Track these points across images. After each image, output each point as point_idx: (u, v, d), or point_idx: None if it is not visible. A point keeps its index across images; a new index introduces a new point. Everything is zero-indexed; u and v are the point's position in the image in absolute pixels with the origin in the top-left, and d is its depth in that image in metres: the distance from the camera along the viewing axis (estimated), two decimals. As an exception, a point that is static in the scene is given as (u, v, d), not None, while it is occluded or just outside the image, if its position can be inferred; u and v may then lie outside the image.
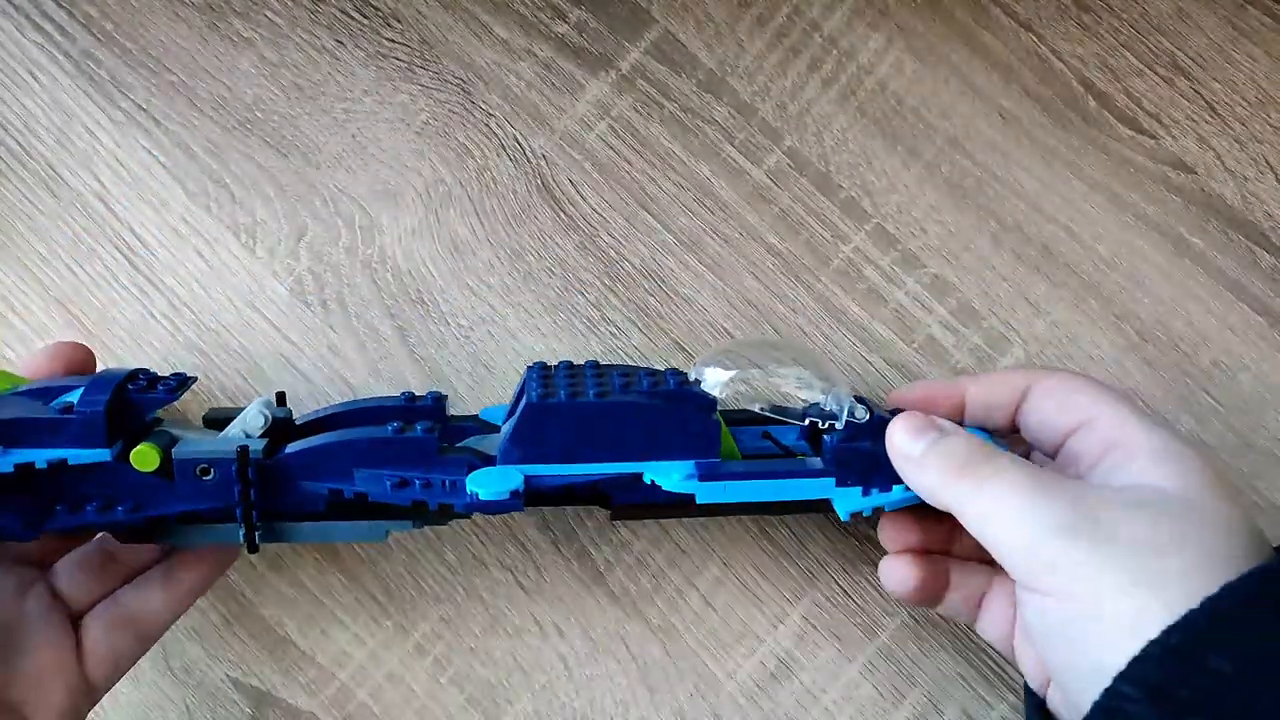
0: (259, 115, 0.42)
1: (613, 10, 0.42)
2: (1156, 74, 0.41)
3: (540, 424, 0.32)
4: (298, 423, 0.36)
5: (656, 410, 0.32)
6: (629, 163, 0.42)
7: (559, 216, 0.41)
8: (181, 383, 0.34)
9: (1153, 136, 0.41)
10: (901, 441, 0.32)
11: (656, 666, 0.40)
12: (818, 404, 0.34)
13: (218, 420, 0.35)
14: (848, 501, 0.33)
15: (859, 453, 0.33)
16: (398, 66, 0.42)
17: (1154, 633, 0.25)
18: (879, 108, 0.42)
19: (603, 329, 0.41)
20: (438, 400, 0.36)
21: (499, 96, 0.42)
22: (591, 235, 0.41)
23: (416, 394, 0.36)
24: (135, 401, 0.33)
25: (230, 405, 0.38)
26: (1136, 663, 0.25)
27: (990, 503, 0.29)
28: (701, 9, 0.42)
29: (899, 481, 0.33)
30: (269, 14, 0.42)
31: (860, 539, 0.40)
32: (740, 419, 0.36)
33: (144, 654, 0.36)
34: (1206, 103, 0.41)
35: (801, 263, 0.41)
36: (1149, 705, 0.25)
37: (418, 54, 0.42)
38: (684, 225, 0.41)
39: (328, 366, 0.41)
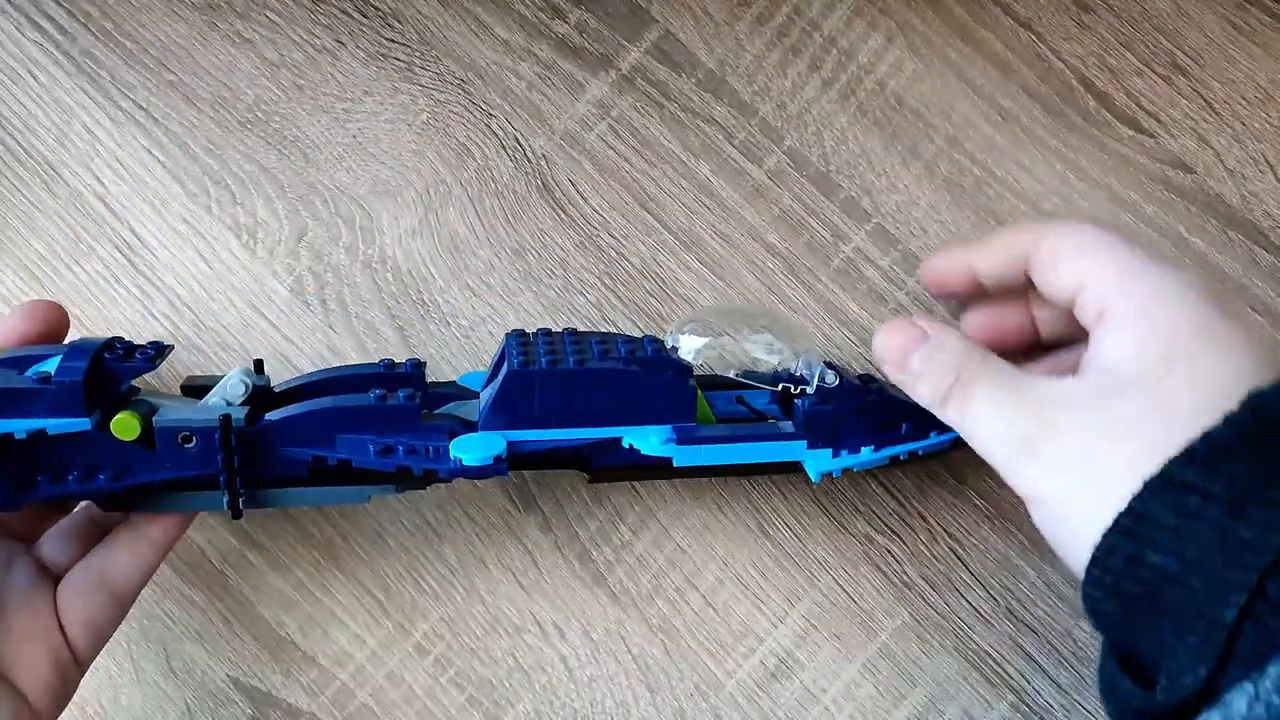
0: (259, 115, 0.42)
1: (613, 10, 0.42)
2: (1156, 73, 0.41)
3: (522, 391, 0.33)
4: (276, 390, 0.36)
5: (635, 376, 0.33)
6: (629, 163, 0.42)
7: (559, 216, 0.41)
8: (159, 350, 0.34)
9: (1152, 135, 0.41)
10: (892, 361, 0.32)
11: (657, 666, 0.40)
12: (789, 369, 0.35)
13: (195, 389, 0.35)
14: (818, 462, 0.34)
15: (829, 416, 0.34)
16: (398, 66, 0.42)
17: (1097, 537, 0.26)
18: (879, 107, 0.42)
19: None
20: (417, 367, 0.36)
21: (499, 96, 0.42)
22: (591, 235, 0.41)
23: (396, 360, 0.36)
24: (114, 370, 0.32)
25: (206, 375, 0.38)
26: (1092, 565, 0.27)
27: (972, 422, 0.30)
28: (701, 9, 0.42)
29: (867, 443, 0.34)
30: (269, 14, 0.42)
31: (861, 539, 0.40)
32: (714, 384, 0.37)
33: (122, 618, 0.35)
34: (1206, 102, 0.41)
35: (802, 263, 0.41)
36: (1114, 603, 0.27)
37: (418, 54, 0.42)
38: (684, 225, 0.41)
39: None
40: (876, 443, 0.34)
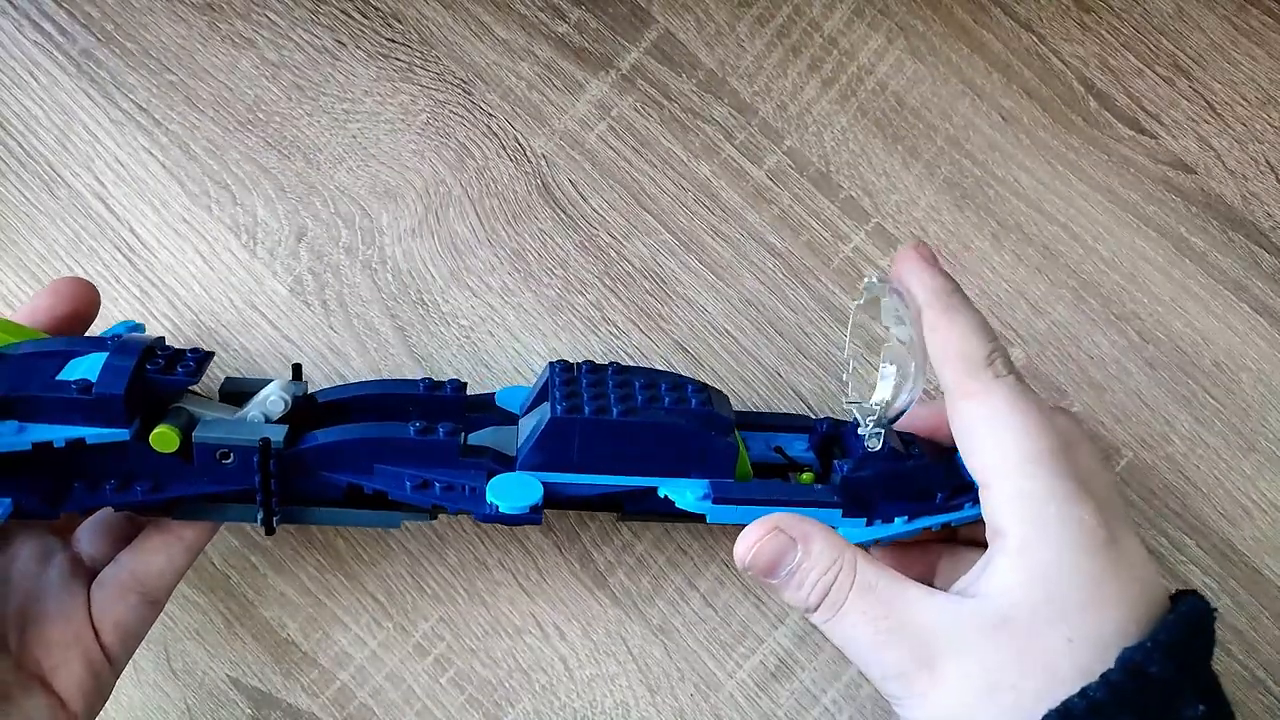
0: (259, 115, 0.42)
1: (613, 10, 0.42)
2: (1157, 74, 0.41)
3: (563, 437, 0.32)
4: (319, 399, 0.35)
5: (679, 431, 0.32)
6: (629, 163, 0.42)
7: (559, 216, 0.41)
8: (200, 361, 0.33)
9: (1153, 136, 0.41)
10: (758, 570, 0.30)
11: (657, 667, 0.40)
12: (827, 418, 0.35)
13: (234, 394, 0.35)
14: (852, 533, 0.33)
15: (865, 484, 0.33)
16: (398, 66, 0.42)
17: None
18: (879, 108, 0.42)
19: (603, 329, 0.41)
20: (458, 389, 0.35)
21: (499, 96, 0.42)
22: (591, 235, 0.41)
23: (436, 380, 0.36)
24: (154, 383, 0.32)
25: (245, 378, 0.37)
26: None
27: (847, 644, 0.29)
28: (701, 9, 0.42)
29: (902, 513, 0.33)
30: (270, 14, 0.42)
31: (861, 539, 0.40)
32: (753, 424, 0.36)
33: (154, 619, 0.35)
34: (1207, 103, 0.41)
35: (802, 263, 0.41)
36: None
37: (418, 54, 0.42)
38: (684, 225, 0.41)
39: (328, 366, 0.41)
40: (911, 513, 0.33)
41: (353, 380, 0.40)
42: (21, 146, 0.42)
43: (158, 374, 0.32)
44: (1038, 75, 0.41)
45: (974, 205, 0.41)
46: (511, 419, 0.36)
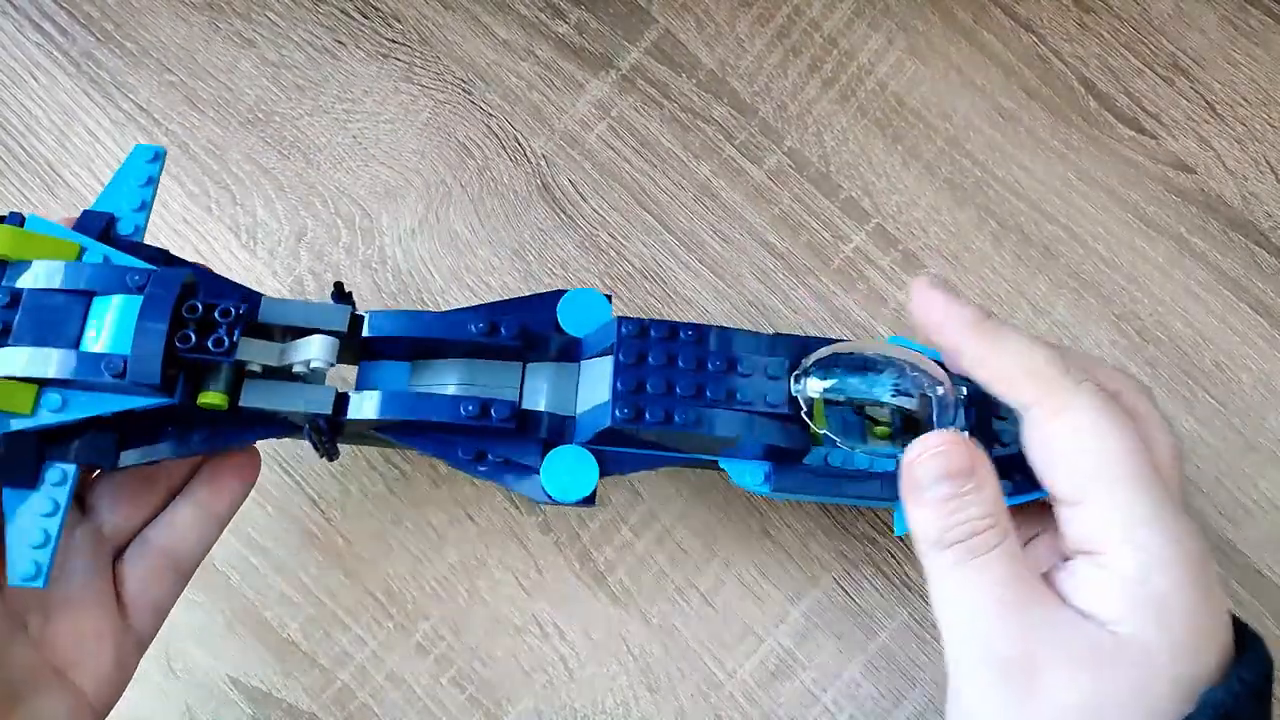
0: (260, 115, 0.42)
1: (613, 10, 0.42)
2: (1156, 74, 0.41)
3: (622, 435, 0.31)
4: (366, 335, 0.32)
5: (755, 434, 0.31)
6: (629, 163, 0.42)
7: (559, 216, 0.41)
8: (232, 325, 0.29)
9: (1153, 136, 0.41)
10: (923, 473, 0.28)
11: (658, 666, 0.40)
12: (910, 388, 0.31)
13: (269, 328, 0.32)
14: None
15: None
16: (398, 66, 0.42)
17: None
18: (879, 108, 0.42)
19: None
20: (519, 337, 0.32)
21: (499, 96, 0.42)
22: (591, 235, 0.41)
23: (495, 324, 0.32)
24: (189, 362, 0.30)
25: (283, 300, 0.33)
26: None
27: (950, 595, 0.27)
28: (701, 9, 0.42)
29: None
30: (270, 14, 0.42)
31: (861, 539, 0.40)
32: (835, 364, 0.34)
33: (182, 591, 0.34)
34: (1206, 103, 0.41)
35: (802, 263, 0.41)
36: None
37: (418, 54, 0.42)
38: (684, 225, 0.41)
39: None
40: None
41: (352, 378, 0.40)
42: (22, 147, 0.42)
43: (190, 352, 0.29)
44: (1038, 75, 0.42)
45: (974, 205, 0.41)
46: (573, 345, 0.33)
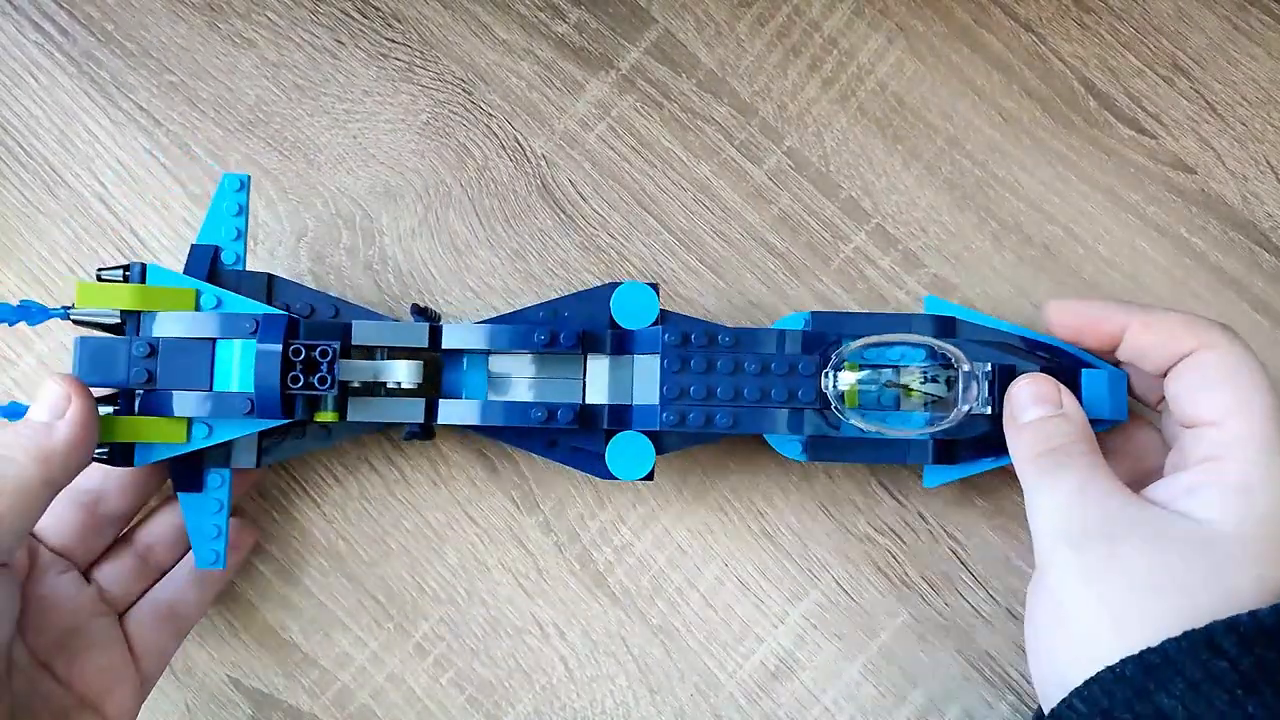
0: (260, 116, 0.42)
1: (613, 10, 0.42)
2: (1157, 74, 0.41)
3: (668, 435, 0.36)
4: (445, 348, 0.37)
5: (790, 428, 0.36)
6: (629, 163, 0.42)
7: (559, 217, 0.41)
8: (331, 363, 0.35)
9: (1153, 136, 0.41)
10: (1018, 405, 0.34)
11: (657, 667, 0.40)
12: (939, 360, 0.36)
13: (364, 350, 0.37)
14: (937, 475, 0.37)
15: (962, 441, 0.36)
16: (398, 66, 0.42)
17: (1112, 659, 0.27)
18: (879, 108, 0.42)
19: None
20: (573, 344, 0.36)
21: (499, 96, 0.42)
22: (591, 235, 0.41)
23: (555, 333, 0.36)
24: (299, 396, 0.35)
25: (368, 318, 0.37)
26: (1091, 682, 0.28)
27: (1040, 494, 0.32)
28: (701, 9, 0.42)
29: (985, 455, 0.36)
30: (270, 14, 0.42)
31: (861, 539, 0.40)
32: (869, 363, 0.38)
33: (183, 641, 0.38)
34: (1207, 103, 0.41)
35: (802, 263, 0.41)
36: None
37: (418, 54, 0.42)
38: (684, 225, 0.41)
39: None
40: (998, 453, 0.36)
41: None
42: (21, 147, 0.42)
43: (300, 390, 0.34)
44: (1038, 75, 0.42)
45: (974, 205, 0.41)
46: (628, 335, 0.37)
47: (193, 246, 0.37)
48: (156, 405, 0.35)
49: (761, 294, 0.41)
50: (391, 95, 0.42)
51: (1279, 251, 0.41)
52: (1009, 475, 0.40)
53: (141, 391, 0.35)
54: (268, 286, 0.37)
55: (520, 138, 0.42)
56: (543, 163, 0.42)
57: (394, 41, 0.42)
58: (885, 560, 0.40)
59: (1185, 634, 0.27)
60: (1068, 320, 0.35)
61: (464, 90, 0.42)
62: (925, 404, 0.36)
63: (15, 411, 0.35)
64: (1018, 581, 0.40)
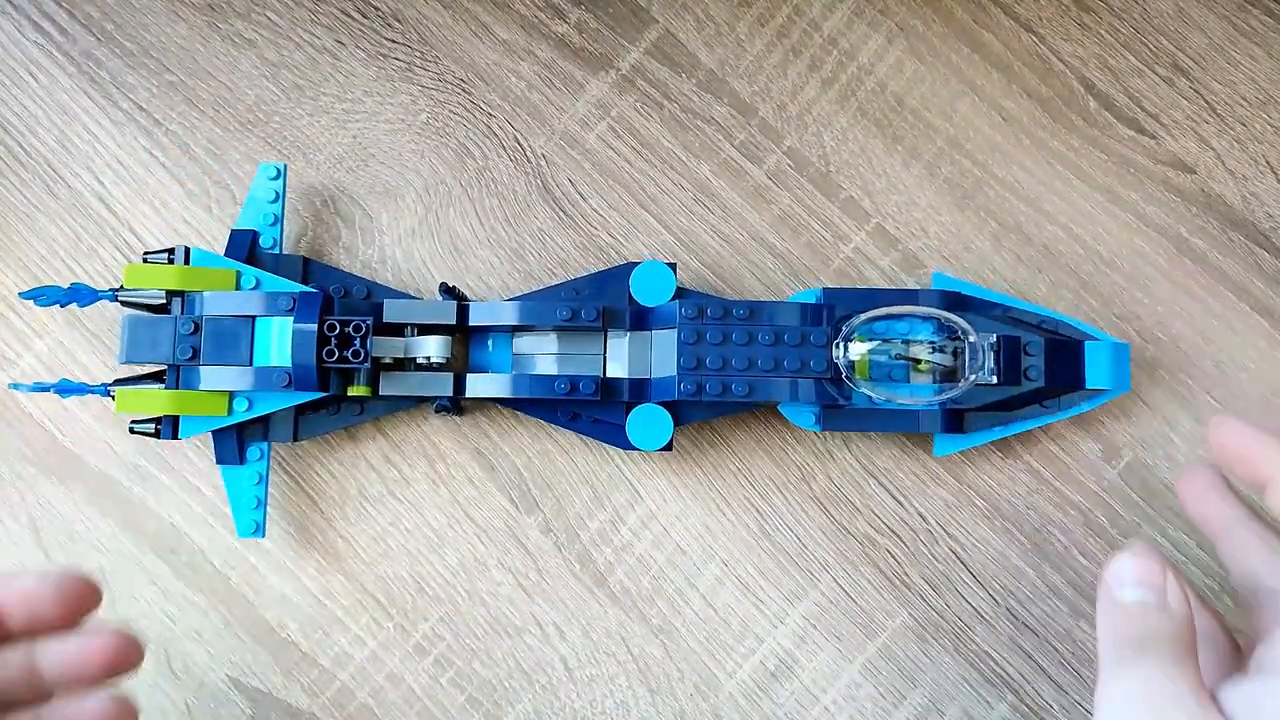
0: (260, 115, 0.42)
1: (613, 10, 0.42)
2: (1156, 74, 0.41)
3: (686, 404, 0.38)
4: (472, 324, 0.39)
5: (802, 397, 0.37)
6: (629, 163, 0.42)
7: (559, 216, 0.41)
8: (364, 337, 0.37)
9: (1153, 136, 0.41)
10: (1116, 579, 0.29)
11: (657, 667, 0.40)
12: (950, 349, 0.37)
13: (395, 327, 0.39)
14: (947, 444, 0.39)
15: (969, 410, 0.38)
16: (398, 66, 0.42)
17: None
18: (879, 108, 0.42)
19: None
20: (600, 315, 0.38)
21: (499, 96, 0.42)
22: (591, 235, 0.41)
23: (576, 309, 0.38)
24: (335, 369, 0.37)
25: (396, 297, 0.40)
26: None
27: (1112, 684, 0.28)
28: (701, 9, 0.42)
29: (998, 425, 0.38)
30: (270, 14, 0.42)
31: (861, 539, 0.40)
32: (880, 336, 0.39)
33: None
34: (1206, 103, 0.41)
35: (802, 263, 0.41)
36: None
37: (418, 54, 0.42)
38: (684, 225, 0.41)
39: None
40: (1005, 422, 0.38)
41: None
42: (21, 146, 0.42)
43: (335, 364, 0.36)
44: (1038, 75, 0.41)
45: (974, 205, 0.41)
46: (646, 311, 0.38)
47: (232, 231, 0.39)
48: (199, 380, 0.37)
49: (762, 294, 0.41)
50: (391, 95, 0.42)
51: (1278, 251, 0.41)
52: (1009, 475, 0.40)
53: (185, 367, 0.37)
54: (304, 268, 0.39)
55: (520, 137, 0.42)
56: (543, 162, 0.42)
57: (394, 41, 0.42)
58: (885, 560, 0.40)
59: None
60: (1228, 443, 0.31)
61: (464, 90, 0.42)
62: (934, 374, 0.37)
63: (65, 389, 0.37)
64: (1017, 581, 0.40)
